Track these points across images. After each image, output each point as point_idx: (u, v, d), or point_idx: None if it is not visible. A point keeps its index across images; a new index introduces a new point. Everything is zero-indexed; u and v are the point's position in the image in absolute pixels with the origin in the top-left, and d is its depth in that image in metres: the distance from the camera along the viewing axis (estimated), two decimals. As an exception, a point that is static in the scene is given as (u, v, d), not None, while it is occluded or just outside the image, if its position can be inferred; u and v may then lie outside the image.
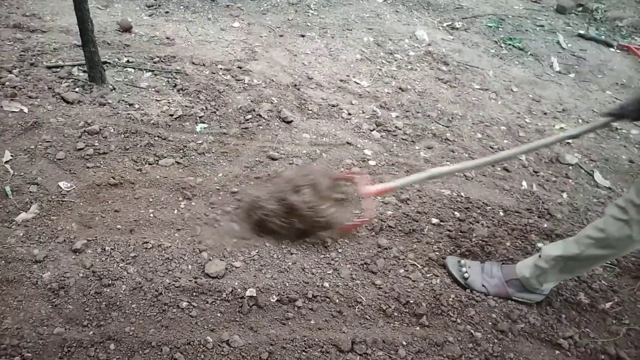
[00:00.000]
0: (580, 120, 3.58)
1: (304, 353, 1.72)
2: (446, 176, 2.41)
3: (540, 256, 1.92)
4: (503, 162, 2.85)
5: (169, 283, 1.87)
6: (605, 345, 1.89)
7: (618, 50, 4.82)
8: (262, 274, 1.98)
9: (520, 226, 2.42)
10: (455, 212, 2.45)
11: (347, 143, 2.83)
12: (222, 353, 1.68)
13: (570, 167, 3.02)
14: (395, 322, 1.90)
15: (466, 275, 2.05)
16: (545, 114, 3.59)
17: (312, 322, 1.85)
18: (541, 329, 1.93)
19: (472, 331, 1.89)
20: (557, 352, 1.87)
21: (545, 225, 2.47)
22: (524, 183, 2.79)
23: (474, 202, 2.53)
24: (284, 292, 1.92)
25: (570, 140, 3.30)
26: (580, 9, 5.61)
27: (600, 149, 3.28)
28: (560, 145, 3.24)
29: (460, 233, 2.32)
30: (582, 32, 4.99)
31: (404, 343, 1.81)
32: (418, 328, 1.89)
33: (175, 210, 2.21)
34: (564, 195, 2.77)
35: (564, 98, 3.85)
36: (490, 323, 1.92)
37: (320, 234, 2.15)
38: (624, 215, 1.69)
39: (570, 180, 2.91)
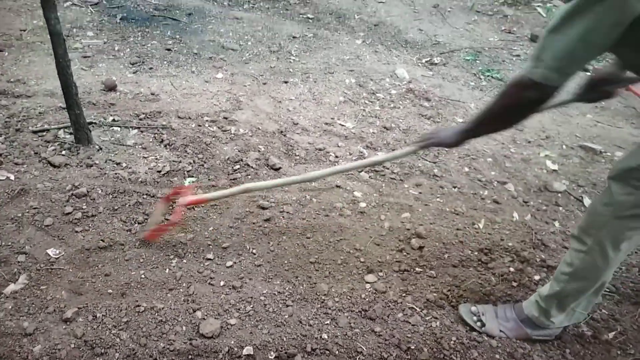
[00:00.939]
0: (564, 147, 3.63)
1: (306, 412, 1.67)
2: (262, 190, 2.60)
3: (539, 295, 1.92)
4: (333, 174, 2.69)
5: (164, 347, 1.82)
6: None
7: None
8: (258, 330, 1.94)
9: (517, 260, 2.41)
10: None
11: (337, 186, 2.84)
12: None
13: (559, 195, 3.04)
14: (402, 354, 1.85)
15: (481, 323, 2.02)
16: (529, 142, 3.64)
17: (312, 377, 1.80)
18: (545, 366, 1.90)
19: (476, 374, 1.85)
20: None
21: (543, 256, 2.46)
22: (515, 214, 2.79)
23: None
24: (282, 348, 1.87)
25: (554, 166, 3.33)
26: (553, 37, 5.78)
27: (586, 174, 3.32)
28: (547, 173, 3.27)
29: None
30: (557, 59, 5.12)
31: (409, 392, 1.77)
32: None
33: (167, 270, 2.18)
34: (556, 223, 2.77)
35: (546, 125, 3.92)
36: (492, 363, 1.89)
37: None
38: (582, 246, 1.70)
39: (560, 208, 2.92)
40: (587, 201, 3.00)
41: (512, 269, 2.35)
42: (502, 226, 2.66)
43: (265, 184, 2.35)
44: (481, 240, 2.53)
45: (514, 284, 2.27)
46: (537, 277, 2.32)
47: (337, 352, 1.89)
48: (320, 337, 1.94)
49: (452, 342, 1.95)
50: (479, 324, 2.01)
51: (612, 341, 2.03)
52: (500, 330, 1.98)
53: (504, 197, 2.96)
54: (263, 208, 2.59)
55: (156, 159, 2.86)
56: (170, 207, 2.47)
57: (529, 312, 1.95)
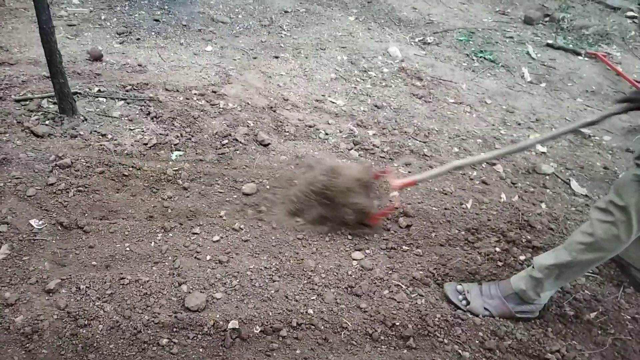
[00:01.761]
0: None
1: (290, 385, 1.68)
2: (468, 167, 2.51)
3: (533, 267, 1.93)
4: (522, 150, 2.78)
5: (148, 320, 1.81)
6: (592, 357, 1.89)
7: (586, 58, 4.93)
8: (244, 305, 1.93)
9: (504, 240, 2.43)
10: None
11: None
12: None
13: (547, 177, 3.06)
14: (382, 346, 1.87)
15: (466, 301, 2.03)
16: (519, 124, 3.64)
17: (297, 351, 1.80)
18: (528, 344, 1.92)
19: (459, 351, 1.87)
20: (546, 367, 1.86)
21: (529, 237, 2.48)
22: (503, 195, 2.80)
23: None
24: (267, 322, 1.87)
25: (542, 148, 3.34)
26: (547, 19, 5.75)
27: (575, 157, 3.33)
28: (536, 156, 3.28)
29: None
30: (550, 41, 5.10)
31: (392, 368, 1.78)
32: (405, 351, 1.86)
33: (152, 243, 2.15)
34: (543, 205, 2.79)
35: (536, 108, 3.92)
36: (477, 341, 1.91)
37: (353, 222, 2.34)
38: (608, 217, 1.71)
39: (547, 190, 2.94)
40: (574, 184, 3.02)
41: (498, 249, 2.36)
42: (489, 207, 2.67)
43: (472, 160, 2.28)
44: (468, 220, 2.53)
45: (499, 263, 2.28)
46: (522, 257, 2.34)
47: (322, 327, 1.90)
48: (306, 312, 1.94)
49: (436, 319, 1.97)
50: (464, 302, 2.03)
51: (594, 321, 2.06)
52: (485, 308, 2.00)
53: (492, 178, 2.96)
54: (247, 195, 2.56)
55: (142, 131, 2.81)
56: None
57: (517, 287, 1.97)
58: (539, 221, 2.62)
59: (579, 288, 2.21)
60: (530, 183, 2.98)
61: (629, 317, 2.12)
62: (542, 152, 3.33)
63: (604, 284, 2.28)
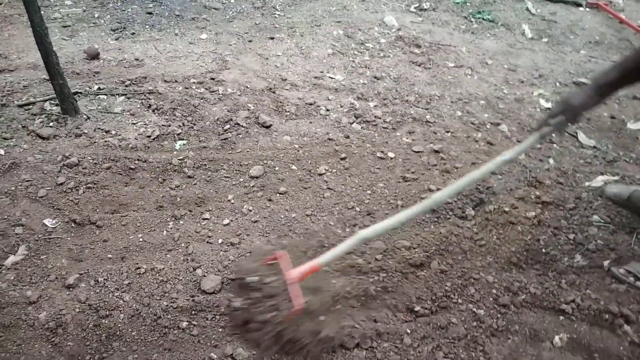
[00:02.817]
0: (557, 84, 3.58)
1: (309, 356, 1.72)
2: (377, 235, 1.87)
3: None
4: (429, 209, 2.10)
5: (167, 305, 1.86)
6: (608, 305, 1.89)
7: (587, 9, 4.82)
8: (258, 283, 1.96)
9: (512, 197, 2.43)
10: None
11: (329, 139, 2.82)
12: (228, 368, 1.67)
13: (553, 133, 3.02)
14: (398, 313, 1.89)
15: (639, 282, 1.98)
16: (522, 82, 3.59)
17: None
18: (542, 297, 1.93)
19: (474, 309, 1.89)
20: (561, 317, 1.87)
21: (538, 193, 2.47)
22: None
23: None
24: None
25: (547, 104, 3.30)
26: (544, -28, 5.61)
27: (581, 110, 3.28)
28: (541, 112, 3.25)
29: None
30: (549, -5, 4.99)
31: (408, 331, 1.81)
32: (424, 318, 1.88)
33: (164, 232, 2.19)
34: (551, 160, 2.77)
35: (539, 64, 3.86)
36: (491, 299, 1.92)
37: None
38: None
39: (555, 145, 2.91)
40: (581, 136, 2.98)
41: (506, 208, 2.36)
42: (496, 167, 2.66)
43: (380, 227, 1.80)
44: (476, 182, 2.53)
45: (513, 219, 2.29)
46: (532, 214, 2.34)
47: (336, 298, 1.92)
48: (320, 285, 1.97)
49: (447, 285, 1.98)
50: (638, 283, 1.98)
51: (608, 269, 2.06)
52: None
53: (497, 138, 2.94)
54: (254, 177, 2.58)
55: (145, 124, 2.83)
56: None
57: None
58: (547, 176, 2.60)
59: (590, 238, 2.21)
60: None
61: (643, 263, 2.11)
62: (547, 108, 3.29)
63: (616, 232, 2.27)
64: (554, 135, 1.85)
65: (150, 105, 3.01)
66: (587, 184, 2.58)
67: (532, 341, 1.79)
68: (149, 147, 2.66)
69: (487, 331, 1.81)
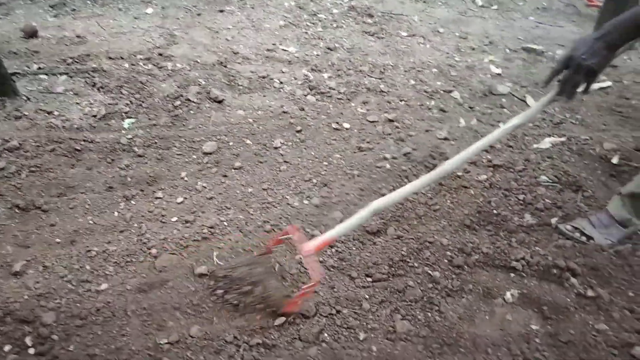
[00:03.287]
0: (507, 50, 3.65)
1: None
2: (390, 205, 1.87)
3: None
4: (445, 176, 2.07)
5: (122, 284, 1.81)
6: (556, 260, 1.97)
7: (535, -24, 4.90)
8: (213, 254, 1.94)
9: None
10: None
11: (284, 112, 2.78)
12: (185, 344, 1.65)
13: (504, 98, 3.09)
14: (356, 279, 1.91)
15: (586, 237, 2.04)
16: (473, 49, 3.63)
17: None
18: (494, 256, 1.99)
19: (429, 272, 1.93)
20: (512, 274, 1.94)
21: (489, 157, 2.53)
22: (462, 120, 2.83)
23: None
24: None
25: (497, 70, 3.36)
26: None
27: (529, 75, 3.36)
28: (491, 78, 3.30)
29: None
30: (498, -38, 5.03)
31: (366, 296, 1.83)
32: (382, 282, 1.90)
33: (115, 213, 2.12)
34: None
35: (489, 31, 3.91)
36: (445, 260, 1.97)
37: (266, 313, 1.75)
38: None
39: (505, 110, 2.98)
40: (529, 100, 3.06)
41: (459, 173, 2.41)
42: (449, 132, 2.70)
43: (392, 197, 1.76)
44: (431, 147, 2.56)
45: (465, 184, 2.34)
46: (483, 177, 2.39)
47: (295, 269, 1.92)
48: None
49: (403, 250, 2.02)
50: (584, 238, 2.05)
51: (555, 225, 2.14)
52: (605, 238, 2.04)
53: (450, 105, 2.98)
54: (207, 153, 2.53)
55: (90, 103, 2.72)
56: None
57: (620, 215, 2.02)
58: (498, 140, 2.66)
59: (539, 198, 2.29)
60: (488, 105, 3.01)
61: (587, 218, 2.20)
62: (497, 74, 3.35)
63: (563, 191, 2.36)
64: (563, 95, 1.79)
65: (94, 84, 2.88)
66: (535, 146, 2.66)
67: (485, 298, 1.85)
68: (95, 127, 2.56)
69: (442, 292, 1.85)
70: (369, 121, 2.78)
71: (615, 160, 2.54)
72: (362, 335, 1.69)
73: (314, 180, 2.37)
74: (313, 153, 2.53)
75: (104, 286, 1.81)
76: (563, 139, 2.72)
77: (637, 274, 1.94)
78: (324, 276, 1.68)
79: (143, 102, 2.76)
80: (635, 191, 1.95)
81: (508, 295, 1.85)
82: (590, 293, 1.85)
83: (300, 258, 1.85)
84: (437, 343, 1.68)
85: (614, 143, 2.66)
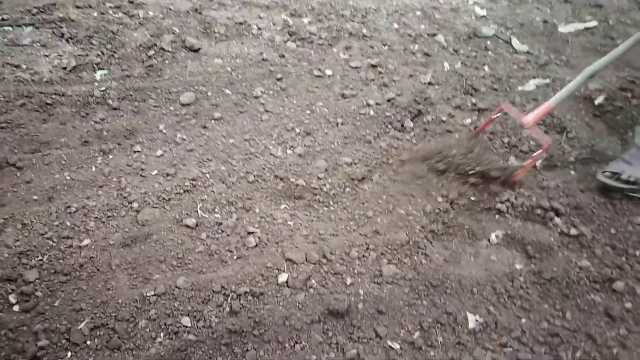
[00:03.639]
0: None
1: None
2: (601, 70, 2.05)
3: None
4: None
5: (104, 239, 1.78)
6: (540, 201, 1.98)
7: None
8: (197, 206, 1.91)
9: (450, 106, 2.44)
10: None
11: (263, 60, 2.69)
12: (172, 295, 1.64)
13: (488, 40, 3.02)
14: (341, 226, 1.91)
15: (631, 178, 1.95)
16: (457, -10, 3.51)
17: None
18: (479, 199, 1.99)
19: (415, 216, 1.93)
20: (497, 216, 1.95)
21: (474, 100, 2.49)
22: (446, 64, 2.77)
23: (400, 93, 2.51)
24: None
25: (482, 11, 3.26)
26: None
27: (514, 16, 3.28)
28: (476, 20, 3.21)
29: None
30: None
31: (353, 243, 1.83)
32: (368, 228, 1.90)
33: (93, 168, 2.06)
34: (486, 68, 2.78)
35: (474, -29, 3.77)
36: (430, 205, 1.96)
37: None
38: None
39: (489, 52, 2.91)
40: (515, 42, 3.00)
41: (443, 117, 2.38)
42: (433, 77, 2.64)
43: (601, 62, 2.00)
44: (416, 92, 2.51)
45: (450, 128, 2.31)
46: (468, 121, 2.37)
47: (280, 218, 1.91)
48: (262, 207, 1.94)
49: (390, 195, 2.00)
50: (627, 182, 1.96)
51: (540, 168, 2.14)
52: None
53: (434, 49, 2.90)
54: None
55: (59, 55, 2.58)
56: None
57: None
58: (483, 84, 2.62)
59: (523, 140, 2.28)
60: (472, 48, 2.94)
61: (572, 159, 2.21)
62: (482, 16, 3.26)
63: (547, 132, 2.35)
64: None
65: (63, 35, 2.73)
66: (520, 88, 2.63)
67: (470, 240, 1.86)
68: (65, 80, 2.44)
69: (428, 235, 1.86)
70: (352, 67, 2.70)
71: (599, 100, 2.52)
72: (349, 280, 1.70)
73: (297, 130, 2.32)
74: (295, 101, 2.47)
75: (86, 242, 1.78)
76: (548, 80, 2.68)
77: (620, 212, 1.97)
78: (550, 143, 1.95)
79: (115, 52, 2.64)
80: None
81: (493, 236, 1.87)
82: (573, 231, 1.88)
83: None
84: (424, 285, 1.70)
85: (598, 84, 2.63)
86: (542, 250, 1.82)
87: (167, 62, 2.61)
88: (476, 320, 1.61)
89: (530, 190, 2.04)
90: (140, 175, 2.04)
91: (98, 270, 1.70)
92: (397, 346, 1.54)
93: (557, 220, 1.92)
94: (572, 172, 2.15)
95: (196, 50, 2.70)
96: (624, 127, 2.39)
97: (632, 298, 1.68)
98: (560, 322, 1.61)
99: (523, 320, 1.62)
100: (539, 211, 1.96)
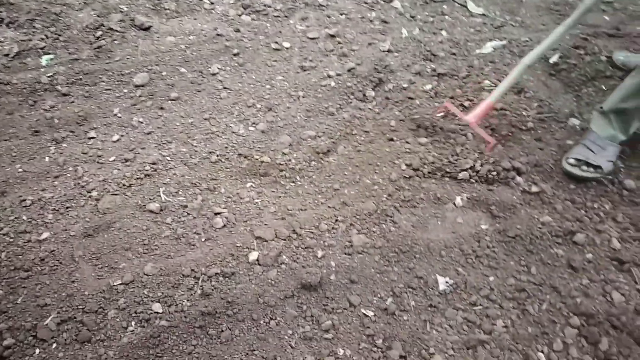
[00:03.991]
0: None
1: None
2: (538, 59, 2.10)
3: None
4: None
5: (65, 230, 1.72)
6: (501, 162, 2.01)
7: None
8: (159, 189, 1.87)
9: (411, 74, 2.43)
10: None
11: (218, 35, 2.60)
12: (141, 282, 1.61)
13: (445, 4, 3.01)
14: (309, 199, 1.90)
15: (593, 168, 1.95)
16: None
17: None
18: (443, 163, 2.01)
19: (382, 185, 1.93)
20: (461, 180, 1.97)
21: (433, 66, 2.49)
22: (404, 31, 2.75)
23: (360, 62, 2.48)
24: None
25: None
26: None
27: (469, -22, 3.27)
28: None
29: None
30: None
31: (323, 216, 1.83)
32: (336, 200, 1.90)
33: (47, 158, 1.97)
34: (443, 33, 2.78)
35: None
36: (395, 174, 1.97)
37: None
38: None
39: (446, 17, 2.91)
40: (470, 5, 3.00)
41: (404, 84, 2.37)
42: (392, 44, 2.62)
43: (539, 50, 2.03)
44: (375, 60, 2.49)
45: (410, 95, 2.31)
46: (429, 87, 2.37)
47: (246, 197, 1.89)
48: (227, 187, 1.91)
49: (355, 166, 2.00)
50: (591, 169, 1.96)
51: (500, 131, 2.18)
52: (608, 161, 1.96)
53: (391, 15, 2.88)
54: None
55: (0, 41, 2.43)
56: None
57: (607, 133, 1.99)
58: (441, 48, 2.62)
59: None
60: (429, 13, 2.93)
61: (530, 118, 2.25)
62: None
63: (506, 94, 2.37)
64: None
65: (2, 19, 2.56)
66: (477, 51, 2.64)
67: (436, 205, 1.89)
68: (9, 67, 2.31)
69: (395, 203, 1.88)
70: (310, 38, 2.65)
71: (554, 59, 2.57)
72: (320, 253, 1.70)
73: (258, 105, 2.28)
74: (254, 77, 2.41)
75: (45, 235, 1.71)
76: (504, 42, 2.70)
77: (577, 167, 2.02)
78: (494, 143, 2.03)
79: (60, 35, 2.50)
80: (620, 106, 1.93)
81: (458, 199, 1.90)
82: (534, 189, 1.93)
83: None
84: (393, 252, 1.72)
85: (552, 42, 2.67)
86: (505, 209, 1.86)
87: (116, 42, 2.49)
88: (446, 282, 1.64)
89: (491, 152, 2.07)
90: (98, 163, 1.97)
91: (60, 263, 1.64)
92: (370, 313, 1.56)
93: (519, 179, 1.96)
94: (532, 131, 2.19)
95: (147, 29, 2.59)
96: (578, 84, 2.45)
97: (592, 249, 1.74)
98: (526, 277, 1.66)
99: (491, 278, 1.66)
100: (501, 171, 2.00)
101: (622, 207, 1.89)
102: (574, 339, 1.51)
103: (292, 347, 1.48)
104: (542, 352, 1.48)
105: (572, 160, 1.98)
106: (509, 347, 1.49)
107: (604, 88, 2.40)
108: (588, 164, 1.95)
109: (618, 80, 2.41)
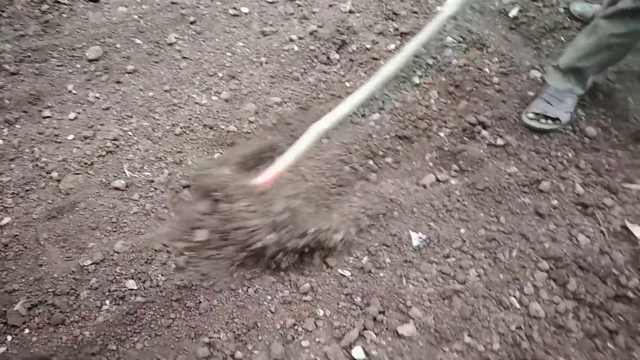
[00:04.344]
0: None
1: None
2: (335, 126, 1.67)
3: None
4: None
5: (26, 214, 1.65)
6: (466, 117, 2.03)
7: None
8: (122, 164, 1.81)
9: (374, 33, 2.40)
10: (306, 41, 2.35)
11: (172, 3, 2.50)
12: (112, 260, 1.57)
13: (403, -39, 2.96)
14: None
15: (552, 120, 1.97)
16: None
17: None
18: (409, 124, 2.01)
19: (347, 147, 1.93)
20: (430, 139, 1.98)
21: (396, 25, 2.47)
22: (364, -9, 2.70)
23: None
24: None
25: None
26: None
27: None
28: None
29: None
30: None
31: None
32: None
33: (0, 141, 1.88)
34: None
35: None
36: (365, 142, 1.96)
37: None
38: None
39: (405, -25, 2.86)
40: (429, -39, 2.96)
41: (368, 45, 2.34)
42: (353, 4, 2.58)
43: (337, 115, 1.63)
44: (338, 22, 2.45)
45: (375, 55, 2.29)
46: (392, 46, 2.35)
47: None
48: (194, 158, 1.87)
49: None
50: (549, 121, 1.99)
51: (468, 92, 2.19)
52: (566, 112, 1.99)
53: (350, -24, 2.82)
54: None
55: None
56: None
57: (564, 87, 2.01)
58: (403, 7, 2.59)
59: (447, 59, 2.30)
60: (388, -29, 2.88)
61: (493, 73, 2.26)
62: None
63: (468, 49, 2.38)
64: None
65: None
66: (439, 8, 2.62)
67: (407, 164, 1.90)
68: (-52, 48, 2.17)
69: (370, 170, 1.87)
70: (269, 2, 2.57)
71: (513, 13, 2.57)
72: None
73: (220, 74, 2.21)
74: (213, 44, 2.34)
75: (6, 220, 1.65)
76: (464, -2, 2.69)
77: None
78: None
79: (3, 11, 2.35)
80: (577, 65, 1.95)
81: (427, 157, 1.91)
82: (500, 142, 1.96)
83: None
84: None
85: (511, -4, 2.68)
86: (473, 163, 1.89)
87: (64, 15, 2.36)
88: (419, 237, 1.67)
89: (456, 107, 2.08)
90: (55, 142, 1.89)
91: (25, 247, 1.59)
92: (348, 273, 1.58)
93: (485, 132, 1.99)
94: (495, 85, 2.21)
95: (96, 0, 2.46)
96: (538, 37, 2.47)
97: (557, 195, 1.79)
98: (495, 227, 1.70)
99: (462, 231, 1.69)
100: (467, 127, 2.01)
101: (583, 154, 1.94)
102: (543, 282, 1.57)
103: (272, 312, 1.48)
104: (515, 296, 1.54)
105: (531, 115, 2.03)
106: (482, 295, 1.53)
107: (563, 39, 2.43)
108: (546, 117, 2.00)
109: (576, 31, 2.44)
